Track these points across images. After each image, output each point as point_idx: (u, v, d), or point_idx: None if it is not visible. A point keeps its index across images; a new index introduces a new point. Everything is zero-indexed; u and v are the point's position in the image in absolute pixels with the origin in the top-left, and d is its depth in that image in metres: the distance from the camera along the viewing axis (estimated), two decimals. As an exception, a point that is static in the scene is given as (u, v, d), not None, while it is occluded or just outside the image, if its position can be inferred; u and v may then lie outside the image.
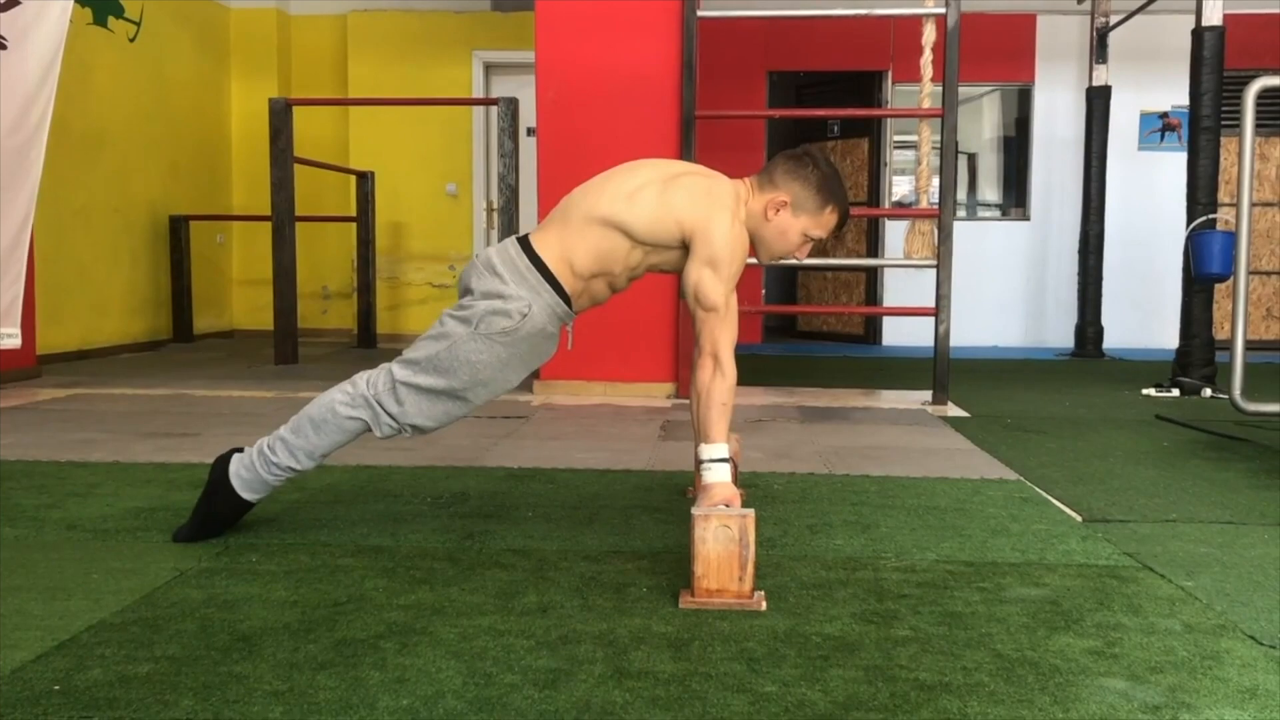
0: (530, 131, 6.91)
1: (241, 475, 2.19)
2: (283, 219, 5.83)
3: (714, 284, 2.04)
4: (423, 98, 7.08)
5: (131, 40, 6.76)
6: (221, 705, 1.40)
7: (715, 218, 2.07)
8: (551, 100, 4.65)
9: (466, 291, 2.15)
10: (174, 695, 1.43)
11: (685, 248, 2.11)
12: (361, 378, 2.17)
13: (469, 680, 1.49)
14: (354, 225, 7.31)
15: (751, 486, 2.81)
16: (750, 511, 1.83)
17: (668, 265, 2.19)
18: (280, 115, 5.77)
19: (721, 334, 2.05)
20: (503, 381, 2.14)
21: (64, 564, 2.06)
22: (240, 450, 2.23)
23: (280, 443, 2.16)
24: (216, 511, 2.22)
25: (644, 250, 2.14)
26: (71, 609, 1.79)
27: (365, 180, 7.21)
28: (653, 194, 2.11)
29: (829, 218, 2.17)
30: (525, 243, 2.15)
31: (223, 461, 2.23)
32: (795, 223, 2.15)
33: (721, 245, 2.05)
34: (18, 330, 4.02)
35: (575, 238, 2.13)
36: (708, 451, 1.99)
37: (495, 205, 7.69)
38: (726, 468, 1.97)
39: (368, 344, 7.27)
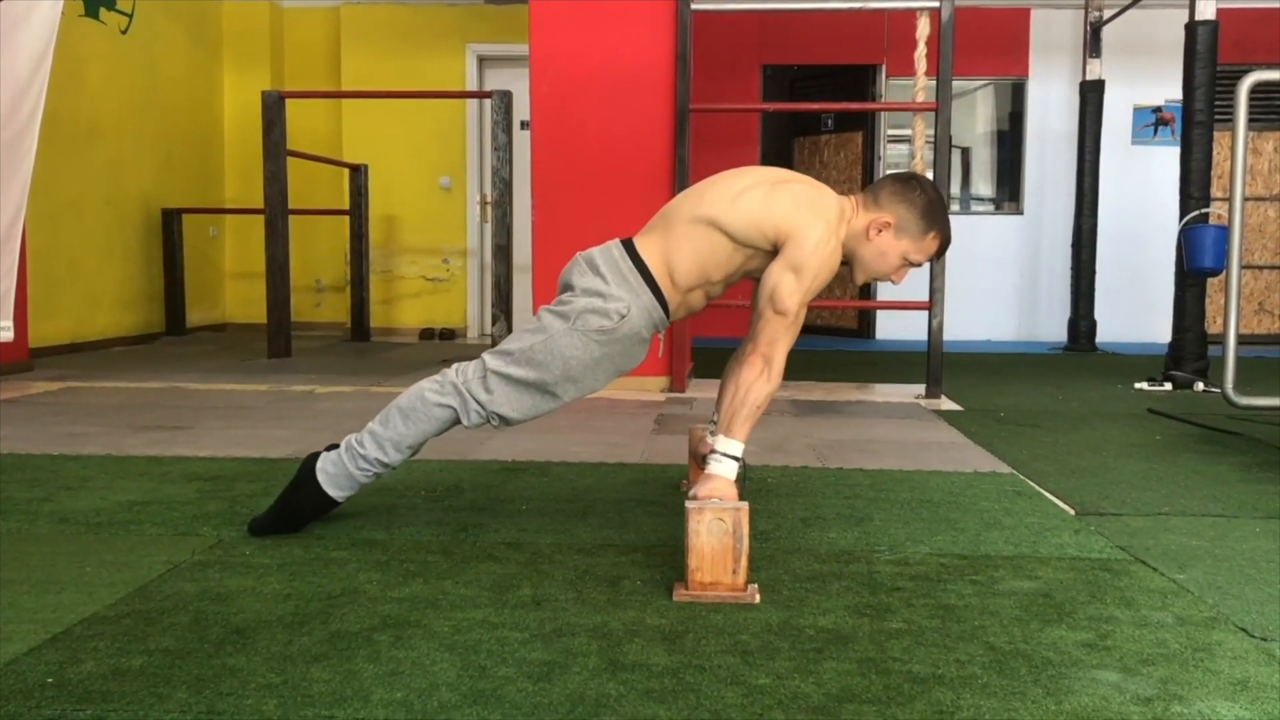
0: (524, 125, 6.91)
1: (328, 470, 2.19)
2: (276, 212, 5.81)
3: (793, 289, 2.02)
4: (416, 91, 7.07)
5: (123, 32, 6.73)
6: (215, 698, 1.40)
7: (813, 225, 2.05)
8: (545, 93, 4.64)
9: (566, 288, 2.15)
10: (168, 688, 1.43)
11: (778, 252, 2.08)
12: (452, 368, 2.17)
13: (463, 673, 1.50)
14: (347, 219, 7.30)
15: (745, 480, 2.81)
16: (744, 504, 1.83)
17: (761, 272, 2.15)
18: (273, 108, 5.75)
19: (782, 339, 2.03)
20: (591, 380, 2.14)
21: (57, 557, 2.05)
22: (333, 447, 2.23)
23: (369, 435, 2.16)
24: (298, 507, 2.21)
25: (744, 254, 2.13)
26: (64, 602, 1.78)
27: (358, 173, 7.19)
28: (758, 195, 2.10)
29: (930, 243, 2.14)
30: (629, 245, 2.15)
31: (312, 458, 2.23)
32: (896, 245, 2.13)
33: (811, 253, 2.03)
34: (10, 323, 4.01)
35: (677, 241, 2.13)
36: (724, 445, 1.97)
37: (489, 199, 7.69)
38: (735, 466, 1.96)
39: (361, 337, 7.26)
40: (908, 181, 2.14)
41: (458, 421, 2.15)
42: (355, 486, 2.21)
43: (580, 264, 2.15)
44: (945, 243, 2.17)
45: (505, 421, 2.15)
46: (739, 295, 3.84)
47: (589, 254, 2.16)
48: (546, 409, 2.16)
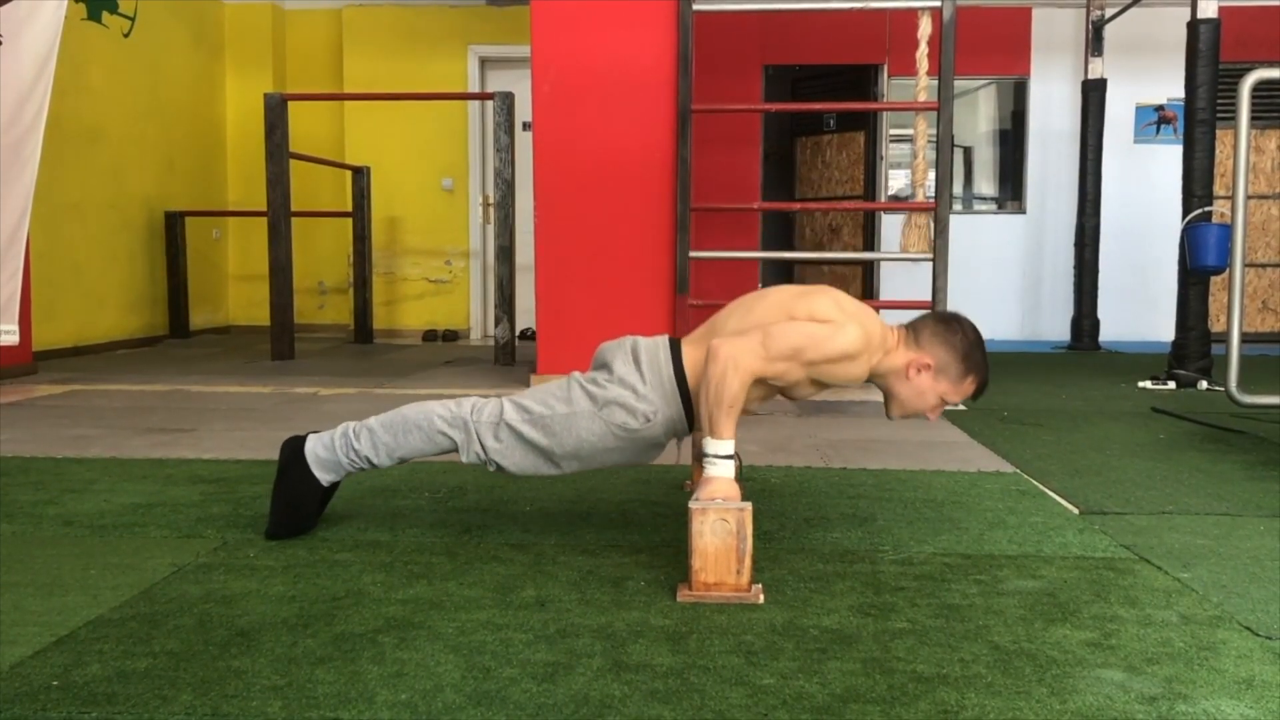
0: (526, 126, 6.90)
1: (319, 454, 2.19)
2: (278, 214, 5.82)
3: (774, 343, 1.97)
4: (418, 92, 7.07)
5: (126, 35, 6.74)
6: (220, 700, 1.40)
7: (848, 325, 2.01)
8: (547, 94, 4.64)
9: (604, 366, 2.14)
10: (173, 690, 1.43)
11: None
12: (469, 400, 2.17)
13: (467, 674, 1.50)
14: (350, 220, 7.31)
15: (749, 480, 2.81)
16: (747, 505, 1.83)
17: (802, 392, 2.11)
18: (275, 110, 5.76)
19: (744, 360, 1.94)
20: (597, 463, 2.15)
21: (61, 560, 2.06)
22: (301, 438, 2.23)
23: (367, 432, 2.17)
24: (289, 492, 2.20)
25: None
26: (69, 605, 1.79)
27: (361, 175, 7.20)
28: (802, 303, 2.08)
29: (968, 387, 2.14)
30: (676, 349, 2.13)
31: (292, 442, 2.22)
32: (935, 386, 2.12)
33: (827, 338, 1.99)
34: (15, 327, 4.01)
35: None
36: (714, 446, 1.94)
37: (491, 200, 7.69)
38: (732, 465, 1.94)
39: (364, 339, 7.27)
40: (949, 324, 2.13)
41: (454, 451, 2.16)
42: (340, 475, 2.22)
43: (626, 350, 2.13)
44: (982, 386, 2.16)
45: (502, 471, 2.15)
46: (740, 293, 3.83)
47: (636, 344, 2.14)
48: (546, 473, 2.17)
